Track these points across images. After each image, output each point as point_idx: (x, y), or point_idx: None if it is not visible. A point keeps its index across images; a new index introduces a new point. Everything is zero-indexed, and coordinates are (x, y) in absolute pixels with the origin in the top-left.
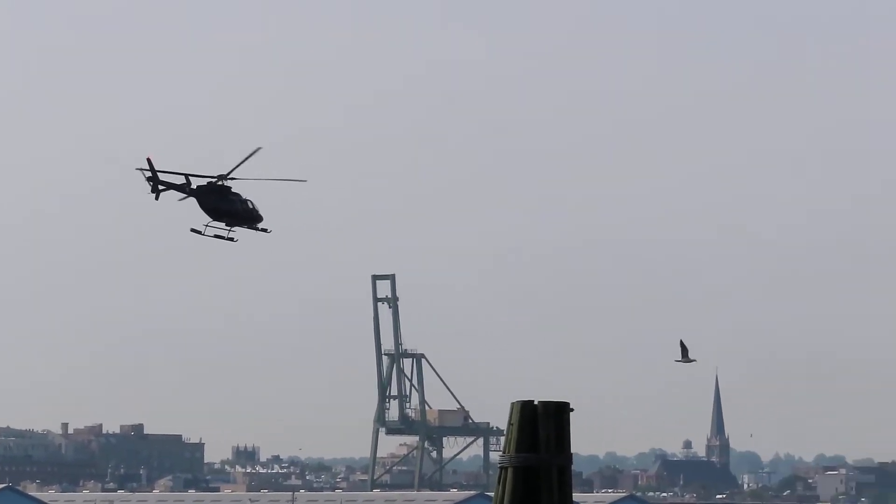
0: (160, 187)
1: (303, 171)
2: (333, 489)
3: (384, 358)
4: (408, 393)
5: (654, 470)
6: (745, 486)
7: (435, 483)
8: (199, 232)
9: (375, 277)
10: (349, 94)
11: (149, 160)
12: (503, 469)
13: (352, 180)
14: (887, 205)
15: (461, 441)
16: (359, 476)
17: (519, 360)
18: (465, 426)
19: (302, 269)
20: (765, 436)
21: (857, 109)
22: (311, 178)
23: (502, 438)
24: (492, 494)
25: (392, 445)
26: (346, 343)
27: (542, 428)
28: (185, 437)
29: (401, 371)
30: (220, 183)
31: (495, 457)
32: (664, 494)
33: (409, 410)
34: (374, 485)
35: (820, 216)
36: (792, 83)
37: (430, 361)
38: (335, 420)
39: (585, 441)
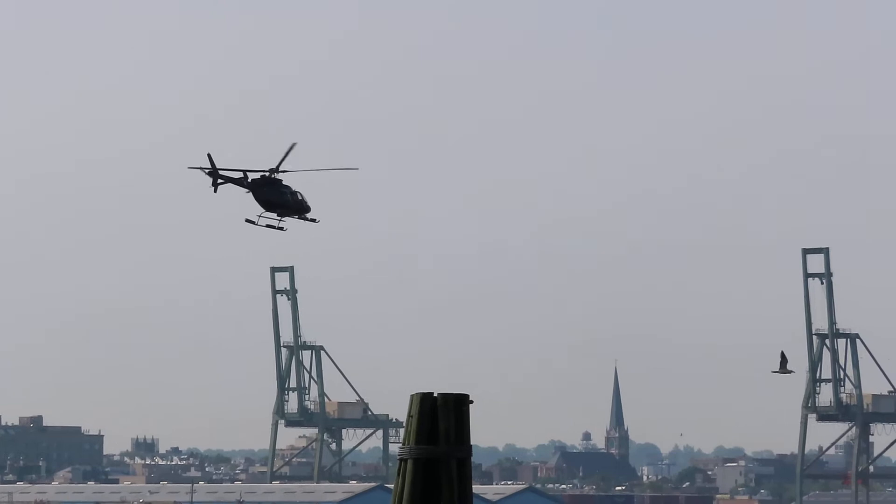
0: (219, 181)
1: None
2: (233, 481)
3: (283, 350)
4: (307, 385)
5: (554, 462)
6: (645, 477)
7: (334, 475)
8: (252, 222)
9: (274, 269)
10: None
11: (209, 156)
12: (402, 461)
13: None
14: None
15: (360, 433)
16: (258, 468)
17: (419, 353)
18: (365, 418)
19: (202, 261)
20: (664, 427)
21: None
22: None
23: (402, 430)
24: (391, 486)
25: (291, 437)
26: (245, 335)
27: (442, 420)
28: (84, 428)
29: (300, 363)
30: (272, 176)
31: (395, 449)
32: (563, 486)
33: (308, 402)
34: (273, 477)
35: (705, 208)
36: None
37: (329, 353)
38: (234, 412)
39: (485, 433)
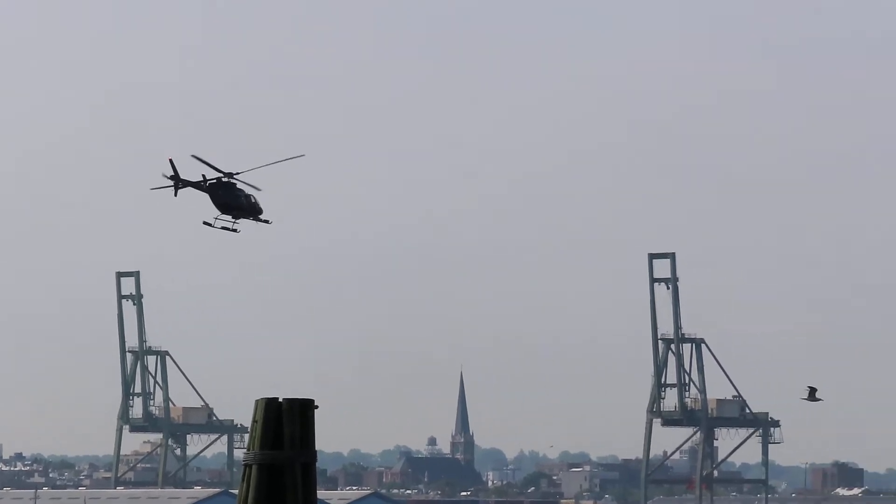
0: (180, 186)
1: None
2: (77, 487)
3: (128, 355)
4: (152, 390)
5: (399, 467)
6: (490, 482)
7: (179, 480)
8: (210, 224)
9: (120, 274)
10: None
11: (171, 161)
12: (247, 466)
13: (98, 178)
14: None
15: (205, 438)
16: (102, 474)
17: (264, 358)
18: (210, 423)
19: (48, 264)
20: (509, 433)
21: None
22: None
23: (247, 436)
24: (236, 492)
25: (136, 443)
26: (90, 340)
27: (287, 425)
28: None
29: (145, 368)
30: (227, 179)
31: (240, 454)
32: (409, 491)
33: (152, 408)
34: (118, 482)
35: (551, 211)
36: None
37: (175, 359)
38: (78, 418)
39: (330, 438)
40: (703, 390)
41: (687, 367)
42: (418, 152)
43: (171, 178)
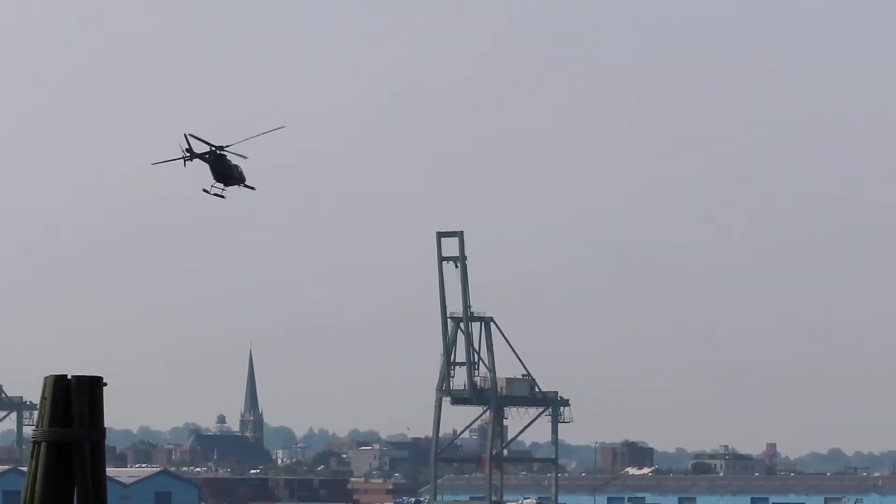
0: (191, 159)
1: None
2: None
3: None
4: None
5: (188, 444)
6: (280, 460)
7: None
8: (206, 192)
9: None
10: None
11: (187, 136)
12: (36, 444)
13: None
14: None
15: None
16: None
17: (55, 334)
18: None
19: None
20: (299, 412)
21: None
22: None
23: (36, 413)
24: (25, 469)
25: None
26: None
27: (76, 402)
28: None
29: None
30: (218, 152)
31: (29, 431)
32: (198, 469)
33: None
34: None
35: (341, 188)
36: None
37: None
38: None
39: (119, 415)
40: (492, 369)
41: (476, 345)
42: None
43: (187, 150)
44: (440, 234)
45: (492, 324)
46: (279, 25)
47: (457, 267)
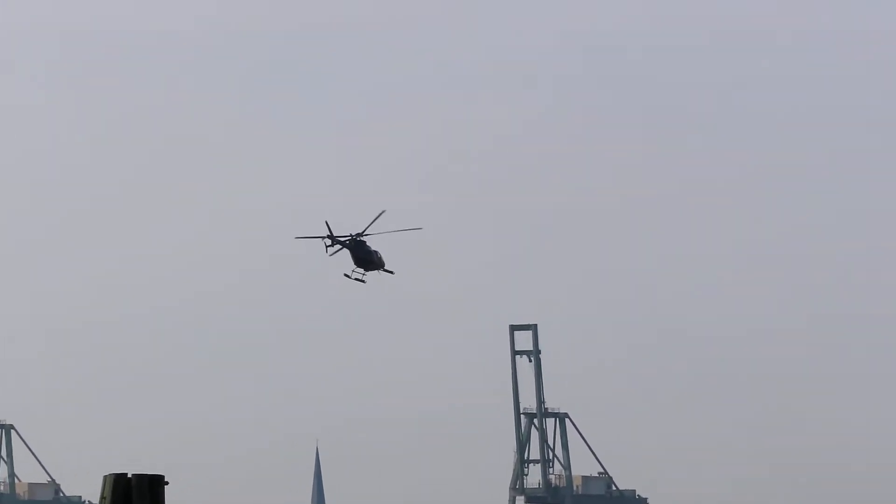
0: (334, 246)
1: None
2: None
3: None
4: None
5: None
6: None
7: None
8: (348, 276)
9: None
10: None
11: (327, 224)
12: None
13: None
14: None
15: None
16: None
17: (113, 429)
18: (57, 500)
19: None
20: None
21: None
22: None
23: None
24: None
25: None
26: None
27: (137, 501)
28: None
29: None
30: (358, 238)
31: None
32: None
33: None
34: None
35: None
36: None
37: (20, 433)
38: None
39: None
40: (567, 466)
41: (550, 442)
42: None
43: (329, 237)
44: (513, 328)
45: (567, 419)
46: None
47: (530, 361)
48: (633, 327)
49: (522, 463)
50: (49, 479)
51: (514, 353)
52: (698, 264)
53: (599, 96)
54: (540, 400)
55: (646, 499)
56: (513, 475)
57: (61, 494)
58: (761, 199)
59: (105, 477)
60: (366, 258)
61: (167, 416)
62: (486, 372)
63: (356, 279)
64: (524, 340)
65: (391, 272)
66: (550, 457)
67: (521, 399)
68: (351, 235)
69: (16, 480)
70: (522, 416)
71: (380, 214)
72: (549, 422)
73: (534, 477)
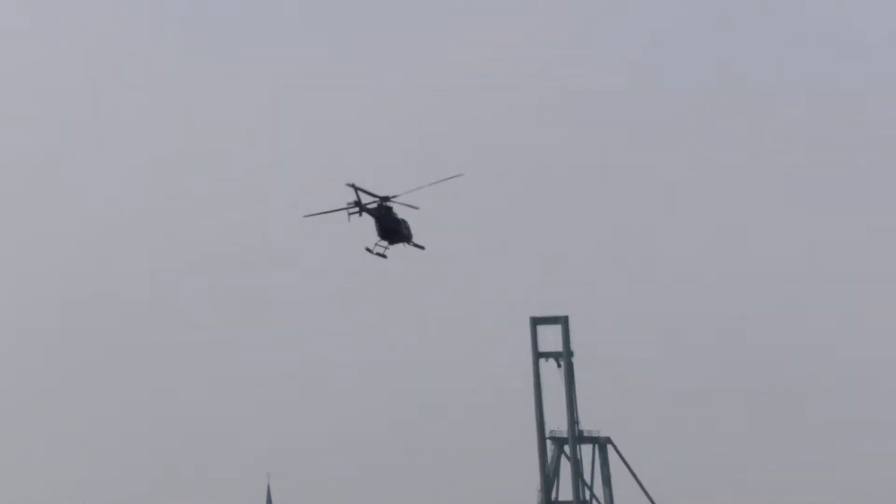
0: (357, 212)
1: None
2: None
3: None
4: None
5: None
6: None
7: None
8: (369, 251)
9: None
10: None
11: (354, 187)
12: None
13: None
14: None
15: None
16: None
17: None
18: None
19: None
20: None
21: None
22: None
23: None
24: None
25: None
26: None
27: None
28: None
29: None
30: (385, 204)
31: None
32: None
33: None
34: None
35: None
36: None
37: None
38: None
39: None
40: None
41: (588, 475)
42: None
43: (355, 203)
44: (536, 321)
45: (609, 446)
46: None
47: (559, 366)
48: (695, 321)
49: (549, 502)
50: None
51: (537, 355)
52: (777, 246)
53: (650, 77)
54: (573, 420)
55: None
56: None
57: None
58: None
59: None
60: (394, 228)
61: (113, 449)
62: (496, 382)
63: (378, 254)
64: (550, 338)
65: (421, 247)
66: (587, 497)
67: (546, 418)
68: (378, 200)
69: None
70: (549, 442)
71: (451, 177)
72: (586, 449)
73: None
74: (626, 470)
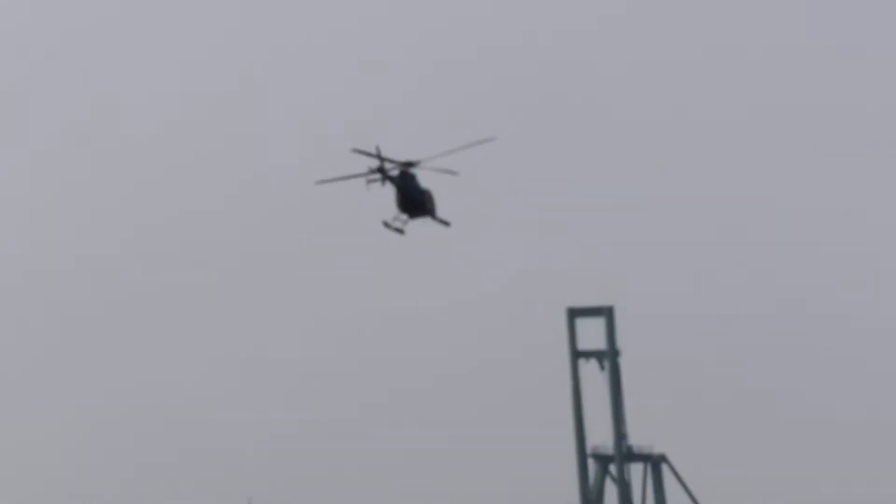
0: (380, 178)
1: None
2: None
3: None
4: None
5: None
6: None
7: None
8: (387, 225)
9: None
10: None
11: (378, 152)
12: None
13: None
14: None
15: None
16: None
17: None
18: None
19: None
20: None
21: None
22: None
23: None
24: None
25: None
26: None
27: None
28: None
29: None
30: (409, 170)
31: None
32: None
33: None
34: None
35: None
36: None
37: None
38: None
39: None
40: None
41: (639, 499)
42: None
43: (378, 169)
44: (574, 313)
45: (664, 465)
46: None
47: (602, 368)
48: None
49: None
50: None
51: (576, 354)
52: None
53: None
54: (620, 433)
55: None
56: None
57: None
58: None
59: None
60: (418, 200)
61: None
62: (525, 387)
63: (396, 229)
64: (592, 333)
65: (447, 223)
66: None
67: (587, 432)
68: (399, 165)
69: None
70: (591, 460)
71: (481, 141)
72: (636, 468)
73: None
74: (685, 493)
